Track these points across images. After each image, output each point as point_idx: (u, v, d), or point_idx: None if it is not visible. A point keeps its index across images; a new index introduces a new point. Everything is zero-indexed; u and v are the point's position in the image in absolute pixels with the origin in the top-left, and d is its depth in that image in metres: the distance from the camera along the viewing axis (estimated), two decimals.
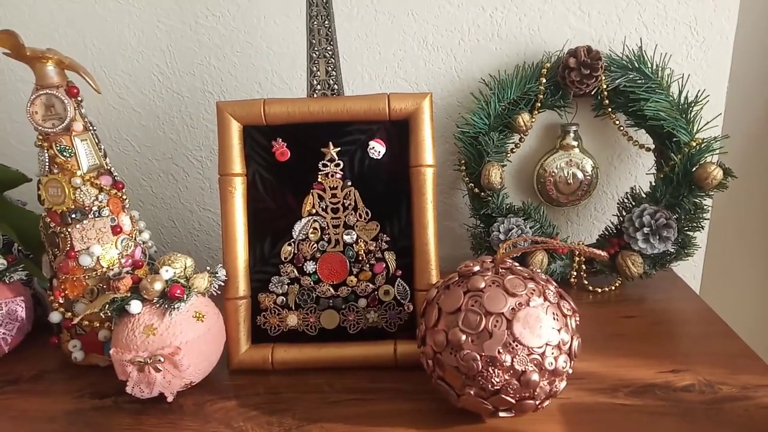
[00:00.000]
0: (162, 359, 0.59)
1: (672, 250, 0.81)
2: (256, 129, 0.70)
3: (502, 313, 0.53)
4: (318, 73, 0.70)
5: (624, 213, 0.84)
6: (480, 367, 0.52)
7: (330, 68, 0.70)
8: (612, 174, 0.94)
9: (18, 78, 0.94)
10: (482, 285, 0.55)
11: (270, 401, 0.63)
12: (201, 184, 1.00)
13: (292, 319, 0.70)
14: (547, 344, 0.53)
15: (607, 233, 0.87)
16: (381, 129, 0.69)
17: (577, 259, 0.85)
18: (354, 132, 0.69)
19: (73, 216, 0.67)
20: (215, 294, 0.67)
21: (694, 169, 0.78)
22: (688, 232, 0.81)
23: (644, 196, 0.83)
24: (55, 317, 0.69)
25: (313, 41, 0.70)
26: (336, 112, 0.68)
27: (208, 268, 0.67)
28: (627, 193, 0.85)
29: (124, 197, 0.71)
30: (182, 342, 0.61)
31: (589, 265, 0.85)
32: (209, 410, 0.62)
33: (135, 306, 0.61)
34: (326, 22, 0.70)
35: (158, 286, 0.61)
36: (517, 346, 0.52)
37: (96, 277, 0.68)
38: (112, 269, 0.69)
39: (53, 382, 0.69)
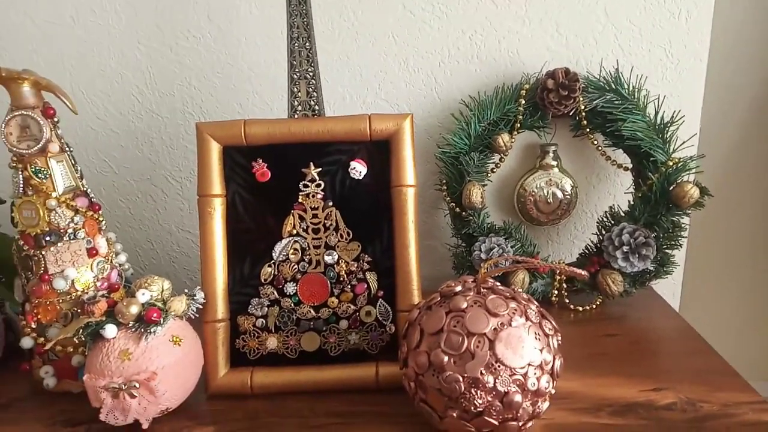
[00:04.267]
0: (137, 385, 0.58)
1: (651, 268, 0.82)
2: (236, 149, 0.69)
3: (485, 334, 0.53)
4: (299, 94, 0.70)
5: (603, 232, 0.85)
6: (462, 388, 0.52)
7: (311, 89, 0.70)
8: (591, 193, 0.95)
9: None
10: (464, 305, 0.55)
11: (249, 427, 0.62)
12: (180, 205, 0.98)
13: (272, 342, 0.68)
14: (529, 364, 0.53)
15: (587, 252, 0.87)
16: (362, 149, 0.69)
17: (558, 278, 0.85)
18: (335, 152, 0.69)
19: (48, 239, 0.65)
20: (193, 317, 0.66)
21: (671, 188, 0.79)
22: (666, 250, 0.81)
23: (623, 214, 0.84)
24: (26, 342, 0.67)
25: (294, 63, 0.70)
26: (317, 133, 0.68)
27: (186, 290, 0.66)
28: (606, 212, 0.86)
29: (101, 219, 0.70)
30: (158, 367, 0.59)
31: (570, 284, 0.85)
32: None
33: (110, 330, 0.59)
34: (307, 44, 0.70)
35: (134, 309, 0.60)
36: (499, 366, 0.52)
37: (70, 301, 0.67)
38: (87, 293, 0.67)
39: (24, 410, 0.67)
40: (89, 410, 0.60)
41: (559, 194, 0.89)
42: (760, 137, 1.09)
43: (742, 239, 1.17)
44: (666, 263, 0.82)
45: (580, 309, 0.84)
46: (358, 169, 0.69)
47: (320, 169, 0.69)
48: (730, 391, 0.64)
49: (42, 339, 0.66)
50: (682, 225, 0.81)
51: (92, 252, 0.68)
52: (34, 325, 0.67)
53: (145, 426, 0.60)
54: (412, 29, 0.89)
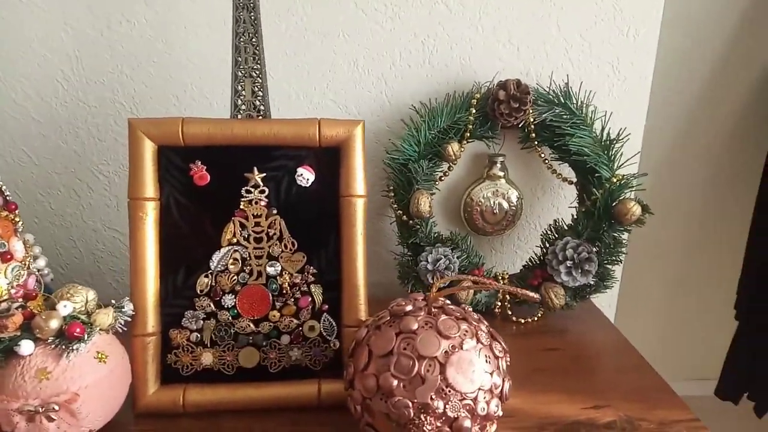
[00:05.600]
0: (57, 407, 0.52)
1: (592, 283, 0.83)
2: (172, 150, 0.64)
3: (436, 357, 0.51)
4: (243, 92, 0.66)
5: (547, 245, 0.85)
6: (412, 414, 0.50)
7: (256, 88, 0.66)
8: (535, 205, 0.95)
9: None
10: (415, 326, 0.53)
11: None
12: (107, 202, 0.92)
13: (207, 358, 0.64)
14: (479, 389, 0.51)
15: (530, 264, 0.87)
16: (310, 156, 0.66)
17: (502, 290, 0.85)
18: (281, 157, 0.65)
19: None
20: (120, 330, 0.60)
21: (614, 204, 0.80)
22: (607, 266, 0.83)
23: (566, 228, 0.85)
24: None
25: (239, 59, 0.66)
26: (262, 136, 0.64)
27: (113, 301, 0.61)
28: (550, 225, 0.87)
29: (17, 219, 0.64)
30: (81, 387, 0.54)
31: (514, 296, 0.85)
32: None
33: (26, 347, 0.53)
34: (254, 40, 0.66)
35: (54, 324, 0.55)
36: (450, 391, 0.50)
37: None
38: (0, 302, 0.60)
39: None
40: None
41: (505, 205, 0.89)
42: (696, 156, 1.14)
43: (673, 251, 1.22)
44: (606, 278, 0.83)
45: (522, 321, 0.85)
46: (306, 176, 0.65)
47: (264, 174, 0.65)
48: (666, 408, 0.66)
49: None
50: (623, 241, 0.82)
51: (6, 256, 0.61)
52: None
53: None
54: (363, 29, 0.86)
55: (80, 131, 0.88)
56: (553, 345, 0.80)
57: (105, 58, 0.85)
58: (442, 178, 0.87)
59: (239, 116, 0.66)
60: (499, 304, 0.85)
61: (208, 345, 0.64)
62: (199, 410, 0.62)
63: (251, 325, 0.64)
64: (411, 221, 0.83)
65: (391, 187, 0.85)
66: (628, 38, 0.87)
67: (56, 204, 0.91)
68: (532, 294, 0.54)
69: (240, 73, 0.66)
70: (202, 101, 0.87)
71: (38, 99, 0.86)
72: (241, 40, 0.66)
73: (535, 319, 0.85)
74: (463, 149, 0.84)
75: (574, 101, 0.83)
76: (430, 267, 0.80)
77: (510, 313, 0.85)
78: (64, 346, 0.54)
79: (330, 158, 0.66)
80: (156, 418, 0.62)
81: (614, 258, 0.82)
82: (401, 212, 0.84)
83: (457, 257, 0.82)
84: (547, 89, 0.84)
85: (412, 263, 0.84)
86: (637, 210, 0.78)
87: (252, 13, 0.66)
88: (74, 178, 0.90)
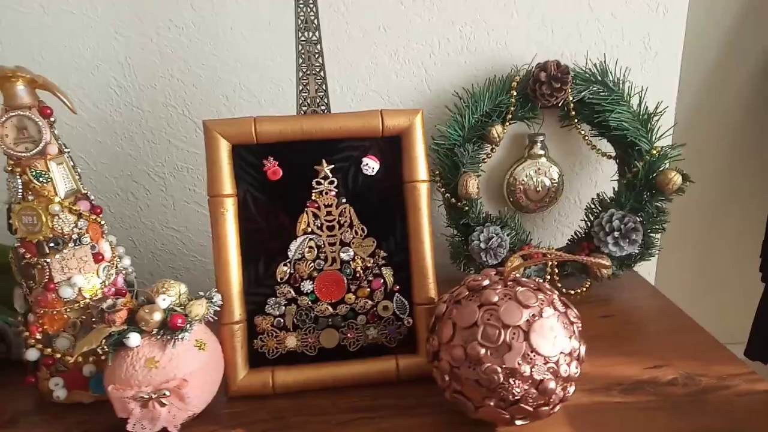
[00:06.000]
0: (168, 393, 0.57)
1: (636, 251, 0.87)
2: (245, 148, 0.68)
3: (519, 326, 0.55)
4: (308, 89, 0.69)
5: (591, 218, 0.88)
6: (501, 379, 0.54)
7: (318, 85, 0.70)
8: (574, 180, 0.98)
9: None
10: (495, 299, 0.57)
11: (277, 427, 0.62)
12: (163, 202, 0.95)
13: (291, 341, 0.68)
14: (561, 352, 0.55)
15: (576, 237, 0.91)
16: (373, 145, 0.69)
17: (551, 262, 0.88)
18: (347, 149, 0.69)
19: (51, 245, 0.62)
20: (212, 320, 0.64)
21: (654, 175, 0.83)
22: (650, 234, 0.86)
23: (610, 201, 0.88)
24: (32, 354, 0.63)
25: (302, 59, 0.69)
26: (329, 130, 0.68)
27: (201, 293, 0.65)
28: (593, 198, 0.90)
29: (103, 222, 0.67)
30: (187, 373, 0.58)
31: (561, 269, 0.89)
32: None
33: (134, 339, 0.57)
34: (314, 38, 0.69)
35: (158, 316, 0.59)
36: (535, 356, 0.54)
37: (78, 309, 0.64)
38: (96, 300, 0.64)
39: (34, 424, 0.64)
40: (105, 420, 0.60)
41: (548, 182, 0.92)
42: (716, 122, 1.17)
43: (705, 220, 1.26)
44: (650, 246, 0.87)
45: (572, 292, 0.88)
46: (371, 165, 0.69)
47: (332, 166, 0.69)
48: (722, 364, 0.70)
49: (49, 350, 0.63)
50: (665, 210, 0.86)
51: (98, 257, 0.65)
52: (39, 336, 0.63)
53: None
54: (402, 20, 0.89)
55: (135, 135, 0.91)
56: (605, 313, 0.84)
57: (155, 63, 0.88)
58: (485, 160, 0.90)
59: (303, 112, 0.70)
60: (548, 277, 0.89)
61: (291, 329, 0.68)
62: (287, 390, 0.67)
63: (329, 308, 0.68)
64: (459, 203, 0.87)
65: (437, 172, 0.88)
66: (657, 14, 0.90)
67: (115, 207, 0.95)
68: (604, 261, 0.57)
69: (303, 72, 0.69)
70: (251, 100, 0.91)
71: (93, 106, 0.89)
72: (304, 39, 0.69)
73: (584, 289, 0.89)
74: (505, 131, 0.87)
75: (611, 78, 0.86)
76: (482, 246, 0.84)
77: (559, 285, 0.89)
78: (169, 337, 0.58)
79: (392, 146, 0.70)
80: (246, 400, 0.66)
81: (657, 227, 0.86)
82: (449, 195, 0.87)
83: (507, 235, 0.86)
84: (584, 68, 0.87)
85: (463, 243, 0.88)
86: (678, 179, 0.82)
87: (312, 13, 0.69)
88: (131, 181, 0.94)
